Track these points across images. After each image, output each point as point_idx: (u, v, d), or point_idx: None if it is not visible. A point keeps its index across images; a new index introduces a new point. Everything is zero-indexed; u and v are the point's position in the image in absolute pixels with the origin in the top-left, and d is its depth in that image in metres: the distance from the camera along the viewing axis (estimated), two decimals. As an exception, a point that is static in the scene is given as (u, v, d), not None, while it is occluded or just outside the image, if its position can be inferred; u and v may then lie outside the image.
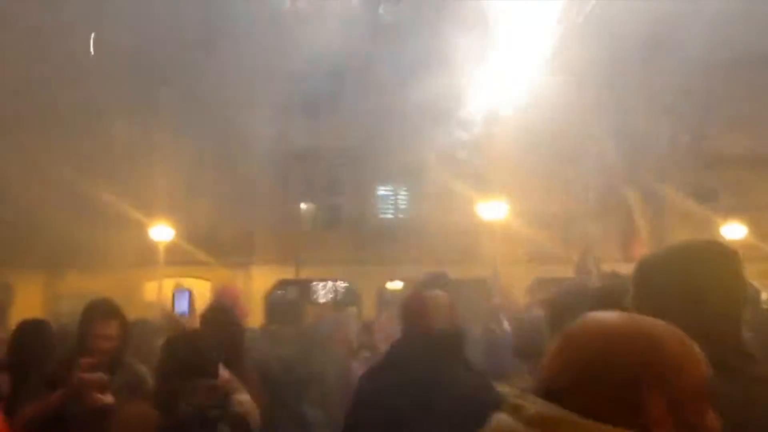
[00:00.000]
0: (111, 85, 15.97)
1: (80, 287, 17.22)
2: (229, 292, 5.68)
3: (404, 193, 21.89)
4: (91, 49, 16.04)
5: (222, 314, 4.32)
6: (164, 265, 18.13)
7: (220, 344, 3.41)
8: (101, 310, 4.00)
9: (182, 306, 3.53)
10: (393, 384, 3.24)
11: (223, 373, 3.12)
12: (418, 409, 3.07)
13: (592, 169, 18.46)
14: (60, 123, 16.71)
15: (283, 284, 19.86)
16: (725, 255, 1.91)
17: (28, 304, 16.48)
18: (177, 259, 18.34)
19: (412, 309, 3.52)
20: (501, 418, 1.18)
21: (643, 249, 18.81)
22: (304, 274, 19.46)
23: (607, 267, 14.91)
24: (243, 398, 3.26)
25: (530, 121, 16.93)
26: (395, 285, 20.93)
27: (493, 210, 18.03)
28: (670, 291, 1.83)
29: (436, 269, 7.20)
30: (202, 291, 19.33)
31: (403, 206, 21.96)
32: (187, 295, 3.59)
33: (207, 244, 18.81)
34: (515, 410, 1.16)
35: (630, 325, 1.18)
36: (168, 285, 18.28)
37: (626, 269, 2.80)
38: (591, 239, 16.53)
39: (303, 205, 21.51)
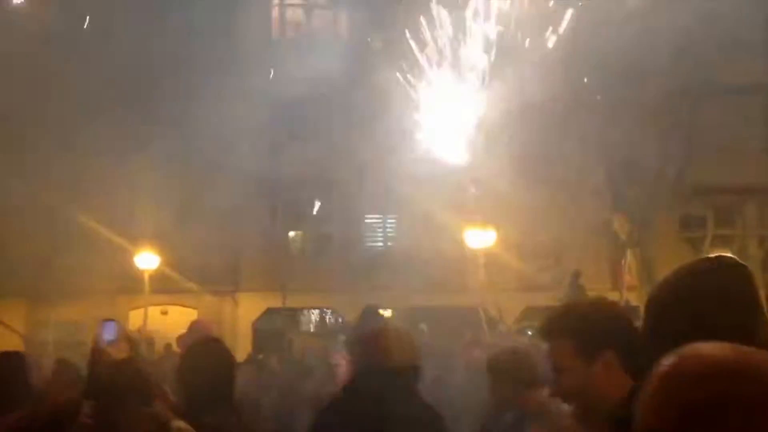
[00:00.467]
0: (97, 112, 15.96)
1: (64, 316, 17.08)
2: (203, 325, 5.60)
3: (392, 221, 21.86)
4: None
5: (213, 346, 4.26)
6: (149, 293, 17.97)
7: (214, 377, 3.44)
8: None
9: (109, 335, 3.50)
10: (347, 420, 3.31)
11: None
12: None
13: (579, 198, 18.51)
14: (43, 149, 16.64)
15: (271, 313, 19.72)
16: (734, 269, 1.86)
17: (9, 333, 16.27)
18: (163, 286, 18.19)
19: (368, 344, 3.56)
20: None
21: (631, 277, 18.84)
22: (292, 303, 19.33)
23: (595, 295, 14.92)
24: (181, 425, 3.23)
25: (518, 149, 17.00)
26: (385, 313, 20.81)
27: (481, 238, 18.01)
28: (681, 313, 1.78)
29: (372, 304, 7.22)
30: (190, 319, 19.15)
31: (391, 234, 21.93)
32: (113, 325, 3.56)
33: (194, 272, 18.67)
34: None
35: (740, 359, 1.08)
36: (154, 313, 18.16)
37: (614, 297, 2.77)
38: (579, 268, 16.57)
39: (291, 233, 21.44)
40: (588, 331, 2.09)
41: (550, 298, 16.18)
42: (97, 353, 3.58)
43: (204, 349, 4.15)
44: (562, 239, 19.20)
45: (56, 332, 16.24)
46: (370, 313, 7.26)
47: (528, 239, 18.66)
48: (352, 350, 4.09)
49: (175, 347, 7.03)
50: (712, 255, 1.99)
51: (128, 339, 3.66)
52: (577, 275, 16.30)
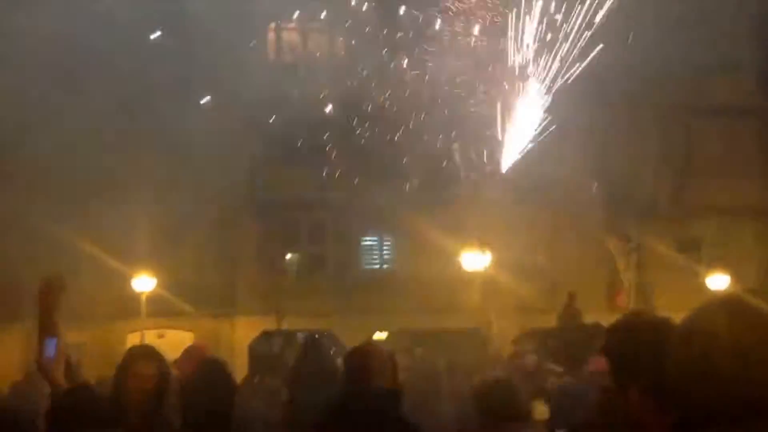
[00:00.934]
0: (91, 135, 16.00)
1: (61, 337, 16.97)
2: (198, 350, 5.58)
3: (389, 243, 21.86)
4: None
5: (216, 370, 4.20)
6: (146, 316, 17.90)
7: (214, 400, 3.47)
8: (140, 354, 4.20)
9: (50, 352, 3.52)
10: None
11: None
12: None
13: (575, 220, 18.57)
14: (39, 172, 16.64)
15: (266, 335, 19.62)
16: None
17: (6, 357, 16.16)
18: (159, 309, 18.13)
19: (352, 365, 3.58)
20: None
21: (626, 299, 18.84)
22: (288, 325, 19.25)
23: (591, 317, 14.93)
24: None
25: (514, 172, 17.06)
26: (382, 336, 20.74)
27: (477, 261, 18.03)
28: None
29: (311, 333, 7.09)
30: (186, 342, 19.08)
31: (387, 256, 21.91)
32: (54, 341, 3.57)
33: (189, 295, 18.62)
34: None
35: None
36: (150, 336, 18.06)
37: (610, 319, 2.78)
38: (575, 290, 16.57)
39: (287, 255, 21.41)
40: None
41: (546, 321, 16.21)
42: (42, 371, 3.58)
43: (206, 371, 4.18)
44: (558, 261, 19.21)
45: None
46: (312, 342, 7.22)
47: (524, 261, 18.67)
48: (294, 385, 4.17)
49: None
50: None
51: (68, 361, 3.60)
52: (572, 298, 16.31)
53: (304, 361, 5.57)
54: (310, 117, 19.87)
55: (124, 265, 17.81)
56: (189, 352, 5.39)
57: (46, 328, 3.79)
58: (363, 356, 3.59)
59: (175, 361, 5.48)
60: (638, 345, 2.09)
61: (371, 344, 3.85)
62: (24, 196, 16.39)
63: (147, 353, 4.24)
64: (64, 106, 15.35)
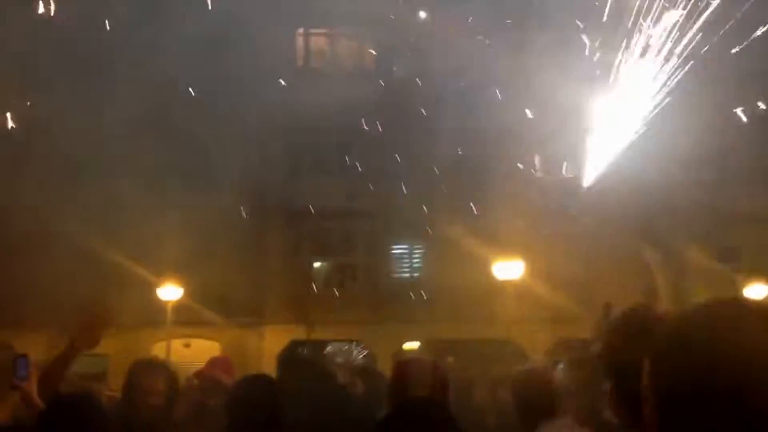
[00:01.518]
0: (120, 143, 15.92)
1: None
2: (222, 361, 5.48)
3: (419, 251, 21.53)
4: None
5: (260, 384, 4.10)
6: (172, 326, 17.77)
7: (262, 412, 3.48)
8: (148, 367, 4.31)
9: (21, 372, 3.50)
10: None
11: None
12: None
13: (610, 228, 18.11)
14: (68, 180, 16.61)
15: (295, 345, 19.40)
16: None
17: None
18: (186, 319, 18.00)
19: (394, 378, 3.60)
20: None
21: (663, 309, 18.30)
22: (317, 335, 19.02)
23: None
24: None
25: (547, 179, 16.70)
26: (412, 345, 20.43)
27: (510, 270, 17.68)
28: None
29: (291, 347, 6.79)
30: (212, 352, 18.92)
31: (417, 265, 21.58)
32: (25, 361, 3.54)
33: (217, 304, 18.47)
34: None
35: None
36: (176, 346, 17.92)
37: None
38: (610, 299, 16.10)
39: (316, 264, 21.18)
40: None
41: (581, 330, 15.76)
42: (17, 390, 3.50)
43: (252, 384, 4.07)
44: (593, 270, 18.74)
45: (79, 365, 16.00)
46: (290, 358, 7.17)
47: (558, 270, 18.23)
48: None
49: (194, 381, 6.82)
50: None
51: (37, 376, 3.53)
52: (608, 308, 15.84)
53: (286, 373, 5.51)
54: (340, 124, 19.70)
55: (150, 275, 17.72)
56: (212, 363, 5.23)
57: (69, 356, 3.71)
58: (402, 368, 3.58)
59: (198, 372, 5.36)
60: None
61: (416, 355, 3.74)
62: (52, 204, 16.35)
63: (154, 366, 4.30)
64: (88, 111, 15.30)
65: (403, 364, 3.67)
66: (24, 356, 3.53)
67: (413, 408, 3.34)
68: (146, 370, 4.22)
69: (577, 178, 17.06)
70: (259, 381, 4.13)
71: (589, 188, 16.67)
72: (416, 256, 21.60)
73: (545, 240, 17.83)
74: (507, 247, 17.52)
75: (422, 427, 3.23)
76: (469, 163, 18.73)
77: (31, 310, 15.94)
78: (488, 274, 17.79)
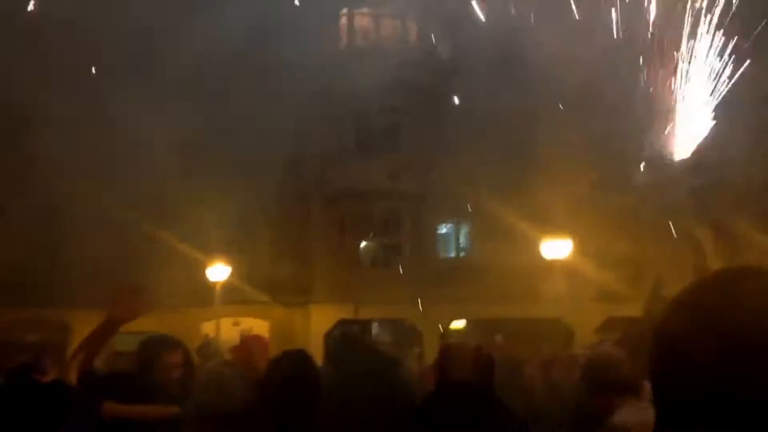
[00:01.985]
0: (168, 126, 16.07)
1: (137, 326, 17.19)
2: (254, 340, 5.44)
3: (466, 230, 21.42)
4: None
5: (298, 361, 4.02)
6: (221, 305, 18.01)
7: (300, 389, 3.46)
8: (164, 343, 4.47)
9: (42, 367, 3.69)
10: None
11: None
12: None
13: (661, 204, 17.76)
14: (118, 162, 16.84)
15: (342, 324, 19.51)
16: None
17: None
18: (234, 298, 18.22)
19: (438, 362, 3.67)
20: None
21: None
22: (364, 314, 19.08)
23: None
24: None
25: (595, 153, 16.43)
26: (459, 325, 20.40)
27: (558, 248, 17.48)
28: None
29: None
30: (261, 331, 19.14)
31: (464, 244, 21.48)
32: (42, 359, 3.72)
33: (265, 284, 18.66)
34: None
35: None
36: (225, 324, 18.18)
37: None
38: (661, 277, 15.81)
39: (362, 244, 21.22)
40: None
41: (631, 309, 15.52)
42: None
43: (289, 359, 3.99)
44: (643, 247, 18.42)
45: (127, 342, 16.33)
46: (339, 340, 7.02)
47: (607, 248, 17.95)
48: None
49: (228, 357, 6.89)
50: None
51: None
52: (659, 285, 15.56)
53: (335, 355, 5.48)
54: (385, 105, 19.63)
55: (199, 255, 17.95)
56: (246, 341, 5.27)
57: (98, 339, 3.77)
58: (445, 351, 3.64)
59: (233, 349, 5.41)
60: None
61: (460, 339, 3.80)
62: (103, 184, 16.65)
63: (170, 343, 4.45)
64: (137, 97, 15.46)
65: (447, 348, 3.72)
66: (43, 354, 3.75)
67: (454, 390, 3.37)
68: (163, 345, 4.37)
69: (628, 155, 16.79)
70: (296, 356, 4.12)
71: (641, 164, 16.39)
72: (462, 235, 21.50)
73: (594, 218, 17.56)
74: (555, 225, 17.31)
75: (463, 410, 3.25)
76: (516, 142, 18.54)
77: (86, 290, 16.26)
78: (536, 253, 17.62)
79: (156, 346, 4.38)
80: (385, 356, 5.41)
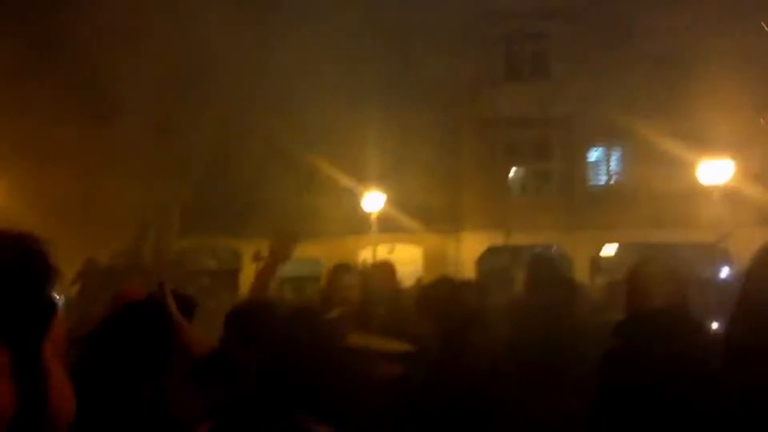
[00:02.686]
0: (324, 60, 16.58)
1: (300, 254, 18.24)
2: (384, 265, 5.59)
3: (617, 155, 20.95)
4: None
5: (449, 289, 4.28)
6: (377, 233, 18.70)
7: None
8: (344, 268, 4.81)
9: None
10: (630, 366, 3.09)
11: None
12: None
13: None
14: (276, 91, 17.46)
15: (492, 251, 19.85)
16: None
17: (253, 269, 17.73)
18: (388, 226, 18.85)
19: (629, 286, 3.31)
20: None
21: None
22: (514, 241, 19.31)
23: None
24: None
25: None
26: (610, 251, 20.20)
27: (717, 171, 16.74)
28: None
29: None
30: (415, 257, 19.86)
31: (616, 169, 21.05)
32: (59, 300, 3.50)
33: (417, 212, 19.15)
34: None
35: None
36: (381, 252, 18.96)
37: None
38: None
39: (512, 171, 21.30)
40: None
41: (796, 234, 14.79)
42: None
43: (435, 291, 4.34)
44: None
45: (296, 270, 17.44)
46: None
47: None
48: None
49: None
50: None
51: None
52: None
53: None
54: (531, 30, 19.34)
55: (355, 184, 18.62)
56: (378, 265, 5.69)
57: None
58: (640, 275, 3.27)
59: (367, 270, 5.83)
60: None
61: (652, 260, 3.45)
62: (261, 115, 17.44)
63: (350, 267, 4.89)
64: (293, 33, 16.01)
65: (637, 270, 3.33)
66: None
67: (648, 318, 3.11)
68: (344, 271, 4.67)
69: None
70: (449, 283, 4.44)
71: None
72: (614, 160, 21.06)
73: (757, 140, 16.68)
74: (713, 148, 16.57)
75: (657, 337, 3.03)
76: (672, 60, 17.79)
77: (252, 219, 17.46)
78: (692, 177, 17.00)
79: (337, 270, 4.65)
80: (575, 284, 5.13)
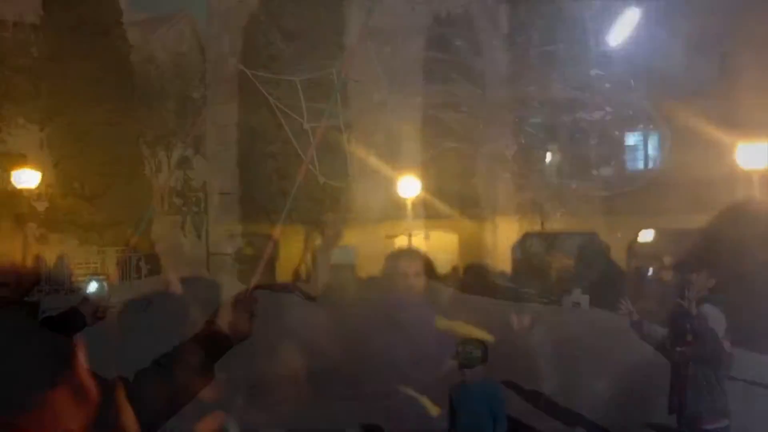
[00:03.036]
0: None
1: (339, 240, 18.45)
2: (416, 251, 5.80)
3: (655, 140, 20.72)
4: None
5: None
6: (412, 219, 18.78)
7: None
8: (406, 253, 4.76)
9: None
10: None
11: None
12: None
13: None
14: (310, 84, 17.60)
15: (528, 237, 19.85)
16: None
17: (291, 254, 18.06)
18: (424, 212, 18.92)
19: None
20: None
21: None
22: (549, 227, 19.29)
23: None
24: None
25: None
26: (646, 237, 20.05)
27: (756, 154, 16.50)
28: None
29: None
30: (451, 243, 19.95)
31: (652, 154, 20.83)
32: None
33: (453, 198, 19.18)
34: None
35: None
36: (417, 238, 19.09)
37: None
38: None
39: (547, 156, 21.21)
40: None
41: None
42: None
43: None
44: None
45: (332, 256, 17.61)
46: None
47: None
48: None
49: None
50: None
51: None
52: None
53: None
54: (581, 12, 19.16)
55: (392, 171, 18.72)
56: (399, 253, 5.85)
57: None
58: None
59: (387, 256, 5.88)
60: None
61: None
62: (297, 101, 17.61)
63: (412, 253, 4.89)
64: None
65: None
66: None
67: None
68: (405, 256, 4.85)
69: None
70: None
71: None
72: (651, 144, 20.84)
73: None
74: (752, 130, 16.32)
75: None
76: (710, 40, 17.50)
77: (292, 207, 17.68)
78: (731, 161, 16.76)
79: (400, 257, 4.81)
80: None
